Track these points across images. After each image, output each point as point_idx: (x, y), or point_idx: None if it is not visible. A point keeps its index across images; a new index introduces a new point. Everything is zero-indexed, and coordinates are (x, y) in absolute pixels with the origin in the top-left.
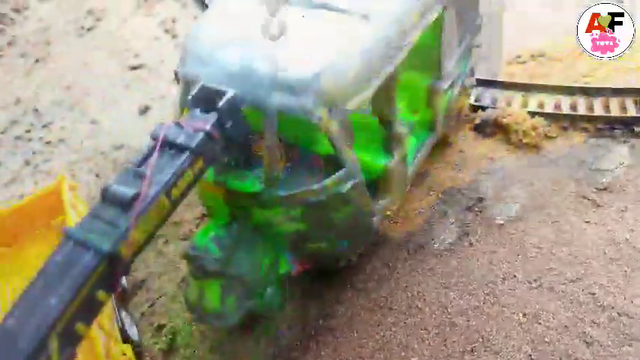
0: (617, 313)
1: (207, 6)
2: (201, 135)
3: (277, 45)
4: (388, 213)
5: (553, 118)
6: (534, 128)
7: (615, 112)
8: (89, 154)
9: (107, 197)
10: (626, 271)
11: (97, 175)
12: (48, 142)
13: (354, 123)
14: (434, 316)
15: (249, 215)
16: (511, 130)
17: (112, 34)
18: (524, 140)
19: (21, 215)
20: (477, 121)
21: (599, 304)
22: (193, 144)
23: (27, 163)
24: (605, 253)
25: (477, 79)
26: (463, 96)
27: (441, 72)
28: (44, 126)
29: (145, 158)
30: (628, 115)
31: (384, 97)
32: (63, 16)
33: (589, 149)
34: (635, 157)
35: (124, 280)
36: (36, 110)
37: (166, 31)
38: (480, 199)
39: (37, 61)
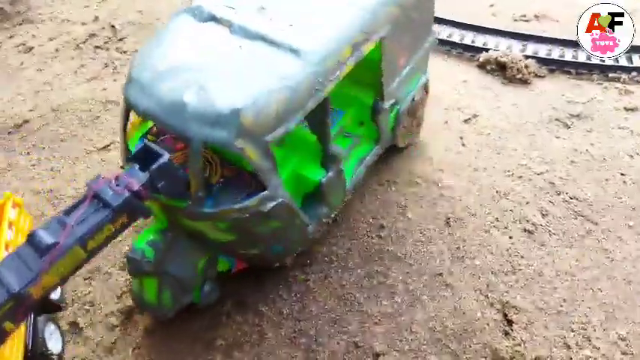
0: (570, 197)
1: None
2: (125, 195)
3: (208, 78)
4: (326, 220)
5: (544, 62)
6: (527, 67)
7: (595, 60)
8: None
9: (31, 241)
10: (581, 170)
11: None
12: (124, 52)
13: (296, 139)
14: (428, 189)
15: (181, 223)
16: (507, 67)
17: None
18: (517, 76)
19: None
20: (481, 60)
21: (556, 190)
22: (115, 203)
23: (106, 65)
24: (567, 157)
25: (482, 28)
26: (416, 109)
27: (382, 93)
28: (120, 39)
29: (76, 206)
30: (605, 63)
31: (317, 121)
32: None
33: (569, 87)
34: (605, 95)
35: (57, 295)
36: (112, 27)
37: None
38: (475, 115)
39: None
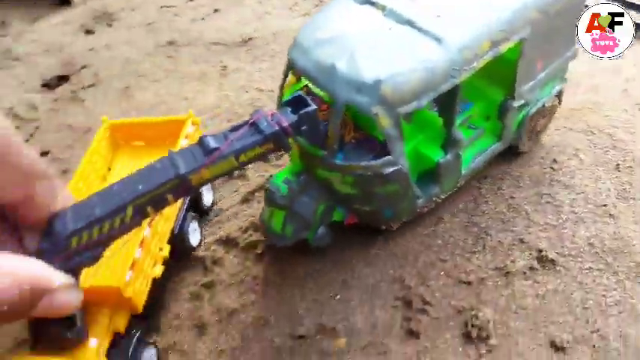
0: None
1: None
2: (275, 128)
3: (358, 50)
4: (436, 199)
5: None
6: None
7: None
8: None
9: (200, 142)
10: None
11: None
12: None
13: (423, 120)
14: (602, 139)
15: (315, 170)
16: None
17: None
18: None
19: (157, 127)
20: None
21: None
22: (267, 132)
23: (316, 5)
24: None
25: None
26: (543, 117)
27: (514, 92)
28: None
29: (238, 128)
30: None
31: (445, 106)
32: None
33: None
34: None
35: (209, 202)
36: None
37: None
38: None
39: None
